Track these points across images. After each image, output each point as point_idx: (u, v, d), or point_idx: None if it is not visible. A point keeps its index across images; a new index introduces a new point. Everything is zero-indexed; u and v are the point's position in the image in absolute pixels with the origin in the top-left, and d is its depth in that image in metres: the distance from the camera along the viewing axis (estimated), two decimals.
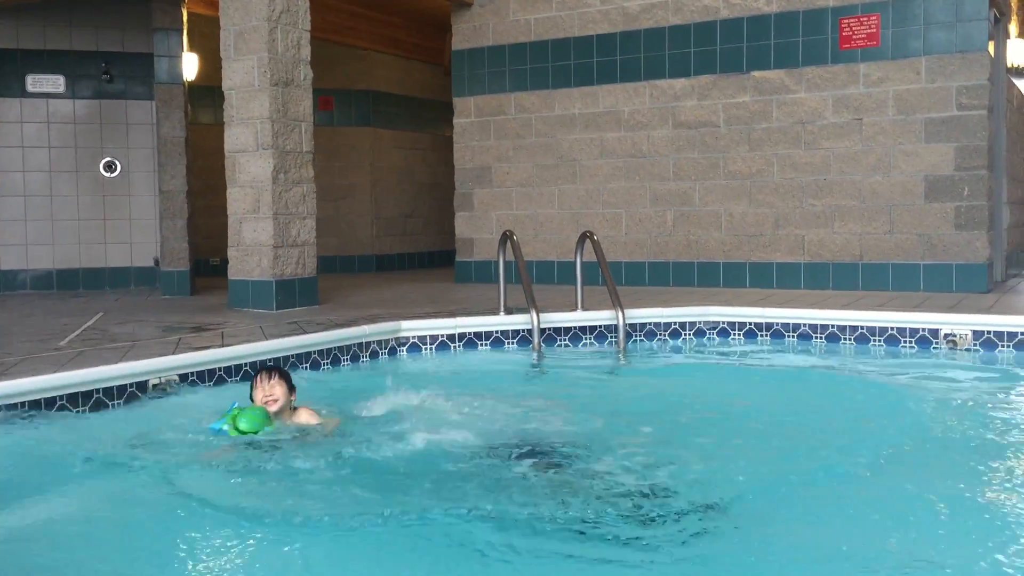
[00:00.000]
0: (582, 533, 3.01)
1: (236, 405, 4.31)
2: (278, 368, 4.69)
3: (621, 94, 9.81)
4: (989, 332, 6.40)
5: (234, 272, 8.01)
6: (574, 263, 7.37)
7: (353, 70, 13.28)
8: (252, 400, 4.45)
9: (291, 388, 4.50)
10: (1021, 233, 11.01)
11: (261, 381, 4.46)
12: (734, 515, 3.18)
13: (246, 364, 5.54)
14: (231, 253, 8.02)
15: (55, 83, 10.34)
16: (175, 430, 4.37)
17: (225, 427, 4.17)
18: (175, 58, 9.63)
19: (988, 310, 6.84)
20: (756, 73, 9.13)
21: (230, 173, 7.95)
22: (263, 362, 5.64)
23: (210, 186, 10.95)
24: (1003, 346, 6.34)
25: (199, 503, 3.42)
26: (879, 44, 8.57)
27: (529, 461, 3.93)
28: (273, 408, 4.36)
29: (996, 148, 8.80)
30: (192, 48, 10.20)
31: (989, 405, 5.03)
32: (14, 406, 4.43)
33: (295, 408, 4.50)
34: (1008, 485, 3.54)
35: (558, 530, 3.02)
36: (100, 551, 3.10)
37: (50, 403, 4.57)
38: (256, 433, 4.15)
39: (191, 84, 10.07)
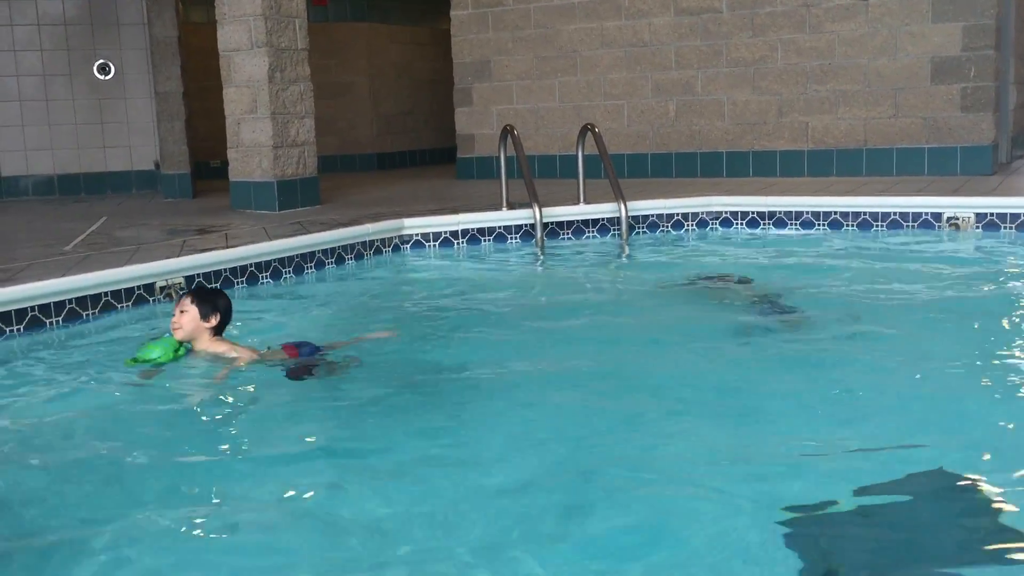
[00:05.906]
0: None
1: (168, 335, 3.97)
2: (195, 290, 4.12)
3: None
4: (992, 214, 6.40)
5: (235, 173, 7.98)
6: (576, 156, 7.33)
7: None
8: None
9: (208, 313, 3.91)
10: None
11: (176, 304, 4.00)
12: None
13: (251, 265, 5.59)
14: (231, 154, 7.98)
15: None
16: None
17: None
18: None
19: (991, 192, 6.82)
20: None
21: (225, 73, 7.84)
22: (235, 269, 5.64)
23: (206, 87, 10.80)
24: (1006, 227, 6.34)
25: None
26: None
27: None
28: (178, 336, 3.91)
29: (1004, 27, 8.61)
30: None
31: (989, 284, 5.07)
32: (23, 311, 4.50)
33: (217, 339, 3.95)
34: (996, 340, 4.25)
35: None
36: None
37: (59, 307, 4.63)
38: (156, 363, 3.84)
39: None
